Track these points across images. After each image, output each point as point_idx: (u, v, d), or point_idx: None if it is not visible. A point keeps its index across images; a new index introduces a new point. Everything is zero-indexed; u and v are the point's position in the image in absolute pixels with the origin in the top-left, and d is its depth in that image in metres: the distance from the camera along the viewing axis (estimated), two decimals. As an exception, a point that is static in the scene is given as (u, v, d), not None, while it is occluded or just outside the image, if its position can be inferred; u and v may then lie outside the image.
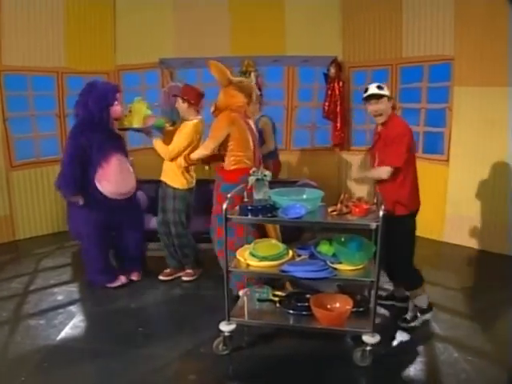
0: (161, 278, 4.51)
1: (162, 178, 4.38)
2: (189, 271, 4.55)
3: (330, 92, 6.23)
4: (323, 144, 6.64)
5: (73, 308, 4.00)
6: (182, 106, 4.28)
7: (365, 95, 3.48)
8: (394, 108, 3.60)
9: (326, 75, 6.26)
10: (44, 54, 5.87)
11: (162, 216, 4.42)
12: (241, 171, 3.83)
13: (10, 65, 5.57)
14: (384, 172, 3.42)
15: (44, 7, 5.78)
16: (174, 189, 4.29)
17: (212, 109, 4.02)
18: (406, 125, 3.50)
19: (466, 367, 3.05)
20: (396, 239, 3.37)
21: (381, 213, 2.85)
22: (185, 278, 4.52)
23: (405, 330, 3.54)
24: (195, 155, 4.08)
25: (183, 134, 4.22)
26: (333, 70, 6.19)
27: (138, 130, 4.38)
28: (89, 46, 6.24)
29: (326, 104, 6.26)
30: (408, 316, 3.63)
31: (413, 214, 3.56)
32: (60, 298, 4.19)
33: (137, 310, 3.97)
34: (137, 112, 4.25)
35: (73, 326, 3.68)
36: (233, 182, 3.71)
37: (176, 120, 4.46)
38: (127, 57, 6.39)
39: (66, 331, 3.58)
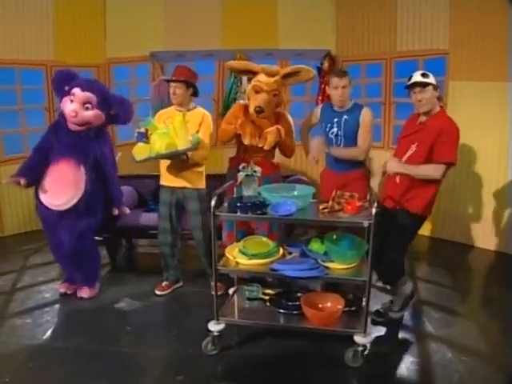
0: (158, 292, 4.09)
1: (179, 184, 3.89)
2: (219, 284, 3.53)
3: (323, 86, 6.12)
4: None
5: (59, 306, 3.92)
6: (186, 92, 3.86)
7: (408, 83, 3.28)
8: (440, 99, 3.36)
9: (320, 69, 6.18)
10: (33, 46, 5.76)
11: (170, 225, 4.00)
12: None
13: (-3, 58, 5.47)
14: (436, 170, 3.18)
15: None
16: (198, 189, 3.92)
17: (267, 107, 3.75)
18: (456, 124, 3.27)
19: (460, 368, 2.99)
20: (399, 233, 3.35)
21: (373, 210, 2.77)
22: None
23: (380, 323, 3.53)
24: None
25: (208, 127, 3.88)
26: (326, 64, 6.12)
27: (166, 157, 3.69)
28: (78, 38, 6.13)
29: (320, 98, 6.18)
30: (395, 307, 3.58)
31: (425, 218, 3.47)
32: (47, 295, 4.11)
33: (125, 309, 3.89)
34: (179, 130, 3.55)
35: (59, 324, 3.61)
36: None
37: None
38: (118, 50, 6.27)
39: (52, 330, 3.52)
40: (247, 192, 3.15)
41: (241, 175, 3.14)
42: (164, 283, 4.19)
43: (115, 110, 3.93)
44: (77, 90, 3.78)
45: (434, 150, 3.19)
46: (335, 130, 3.75)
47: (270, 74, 3.76)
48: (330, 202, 3.08)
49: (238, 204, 3.01)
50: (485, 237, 5.21)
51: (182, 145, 3.55)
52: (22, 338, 3.41)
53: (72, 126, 3.83)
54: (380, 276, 3.63)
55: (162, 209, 4.03)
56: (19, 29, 5.60)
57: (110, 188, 4.00)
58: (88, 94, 3.78)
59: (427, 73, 3.26)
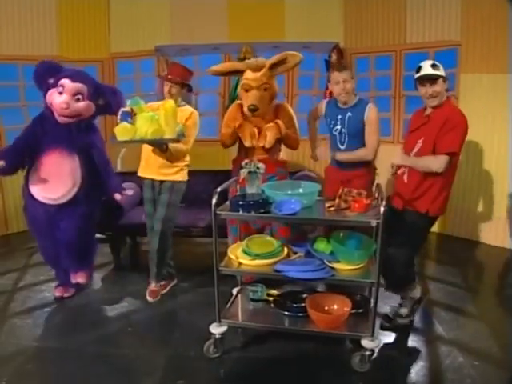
0: (150, 299, 3.89)
1: (159, 177, 3.81)
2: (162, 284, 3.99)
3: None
4: (324, 133, 6.39)
5: (60, 306, 3.84)
6: (180, 91, 3.80)
7: (417, 75, 3.08)
8: (447, 91, 3.15)
9: (328, 62, 6.04)
10: (35, 42, 5.70)
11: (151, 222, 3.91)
12: None
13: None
14: (436, 161, 2.98)
15: (36, -6, 5.59)
16: (174, 181, 3.79)
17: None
18: (464, 114, 3.08)
19: (472, 373, 2.85)
20: (408, 234, 3.16)
21: (382, 209, 2.65)
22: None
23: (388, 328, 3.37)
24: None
25: (195, 125, 3.77)
26: (334, 57, 5.96)
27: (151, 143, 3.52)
28: (82, 33, 6.05)
29: (328, 91, 6.04)
30: (403, 312, 3.40)
31: (435, 218, 3.25)
32: (48, 294, 4.03)
33: (127, 309, 3.80)
34: (169, 118, 3.36)
35: (59, 325, 3.53)
36: None
37: None
38: (122, 44, 6.17)
39: (52, 331, 3.45)
40: (250, 190, 3.04)
41: (243, 172, 3.01)
42: (157, 284, 3.98)
43: (105, 100, 3.78)
44: (66, 81, 3.61)
45: (436, 141, 3.01)
46: (339, 127, 3.69)
47: (256, 69, 3.67)
48: (337, 200, 2.96)
49: (240, 202, 2.90)
50: (497, 234, 5.07)
51: (168, 133, 3.35)
52: (22, 338, 3.33)
53: (61, 119, 3.64)
54: (388, 282, 3.34)
55: (146, 207, 3.93)
56: (22, 24, 5.54)
57: (104, 177, 3.80)
58: (79, 85, 3.62)
59: (437, 63, 3.08)
